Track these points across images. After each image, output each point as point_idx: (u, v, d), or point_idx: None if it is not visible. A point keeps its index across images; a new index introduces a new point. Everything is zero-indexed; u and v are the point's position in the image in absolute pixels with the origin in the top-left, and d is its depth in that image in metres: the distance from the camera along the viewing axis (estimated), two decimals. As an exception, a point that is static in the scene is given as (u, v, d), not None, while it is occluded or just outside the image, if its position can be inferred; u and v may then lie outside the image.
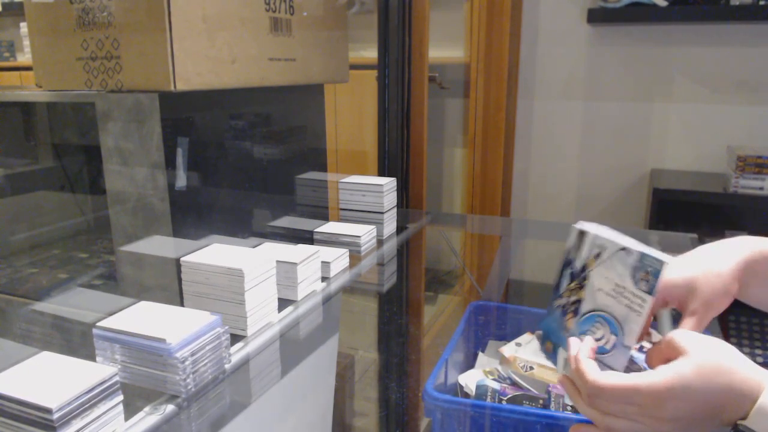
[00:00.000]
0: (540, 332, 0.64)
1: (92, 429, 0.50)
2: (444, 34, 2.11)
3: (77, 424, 0.49)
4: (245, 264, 0.69)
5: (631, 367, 0.56)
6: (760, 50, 1.75)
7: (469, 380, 0.88)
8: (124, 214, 0.77)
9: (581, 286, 0.59)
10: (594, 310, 0.57)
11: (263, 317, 0.74)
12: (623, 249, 0.55)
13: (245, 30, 0.81)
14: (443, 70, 2.10)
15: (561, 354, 0.60)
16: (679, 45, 1.83)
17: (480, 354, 1.00)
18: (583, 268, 0.59)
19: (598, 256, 0.58)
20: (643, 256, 0.54)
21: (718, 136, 1.84)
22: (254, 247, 0.84)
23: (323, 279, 0.88)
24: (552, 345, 0.62)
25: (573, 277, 0.60)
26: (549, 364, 0.87)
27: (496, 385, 0.83)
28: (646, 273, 0.53)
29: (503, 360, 0.91)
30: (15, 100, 1.00)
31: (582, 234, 0.60)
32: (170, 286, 0.76)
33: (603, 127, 1.97)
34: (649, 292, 0.52)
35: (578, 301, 0.59)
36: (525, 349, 0.93)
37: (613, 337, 0.55)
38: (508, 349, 0.92)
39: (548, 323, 0.62)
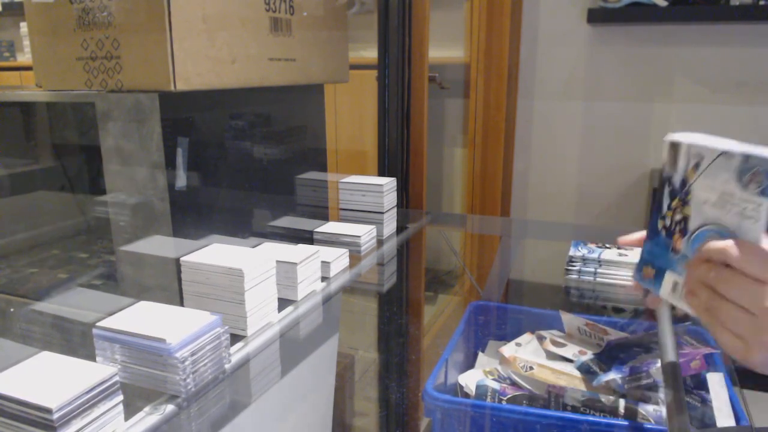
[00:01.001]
0: (643, 262, 0.59)
1: (92, 429, 0.50)
2: (444, 34, 2.11)
3: (77, 424, 0.49)
4: (245, 264, 0.69)
5: None
6: (760, 50, 1.75)
7: (469, 380, 0.88)
8: (124, 214, 0.77)
9: (685, 203, 0.55)
10: (703, 225, 0.53)
11: (263, 317, 0.74)
12: (724, 153, 0.51)
13: (245, 30, 0.81)
14: (443, 70, 2.10)
15: (668, 277, 0.56)
16: (679, 45, 1.83)
17: (480, 354, 1.00)
18: (684, 183, 0.55)
19: (697, 166, 0.54)
20: (747, 157, 0.49)
21: (718, 136, 1.84)
22: (254, 247, 0.84)
23: (323, 279, 0.88)
24: (654, 270, 0.58)
25: (674, 195, 0.56)
26: (549, 363, 0.87)
27: (496, 385, 0.83)
28: (754, 174, 0.48)
29: (503, 360, 0.91)
30: (15, 100, 1.00)
31: (675, 146, 0.56)
32: (170, 286, 0.76)
33: (603, 127, 1.97)
34: (763, 194, 0.47)
35: (684, 219, 0.55)
36: (525, 349, 0.93)
37: None
38: (508, 349, 0.92)
39: (650, 248, 0.58)
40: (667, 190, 0.57)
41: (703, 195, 0.53)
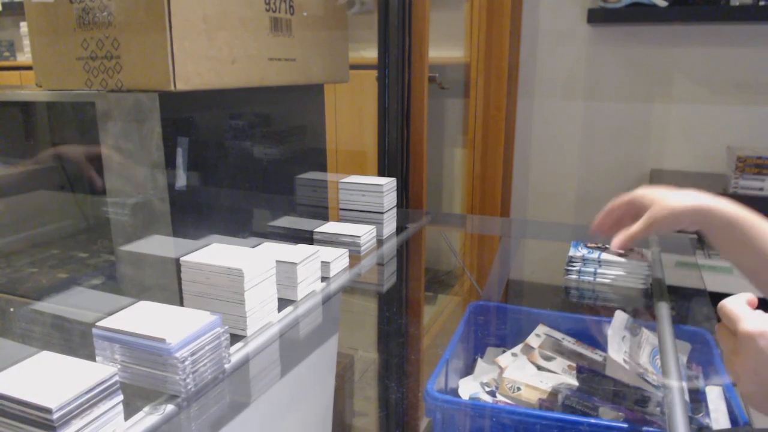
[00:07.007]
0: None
1: (92, 429, 0.50)
2: (444, 34, 2.11)
3: (77, 424, 0.49)
4: (245, 264, 0.69)
5: None
6: (760, 50, 1.75)
7: (464, 391, 0.88)
8: (124, 214, 0.77)
9: None
10: None
11: (263, 317, 0.73)
12: None
13: (245, 30, 0.81)
14: (443, 70, 2.10)
15: None
16: (679, 45, 1.83)
17: (479, 361, 1.00)
18: None
19: None
20: None
21: (718, 136, 1.84)
22: (254, 247, 0.84)
23: (323, 279, 0.88)
24: None
25: None
26: (536, 383, 0.86)
27: (488, 399, 0.84)
28: None
29: (500, 371, 0.91)
30: (15, 100, 1.00)
31: None
32: (170, 286, 0.76)
33: (603, 127, 1.97)
34: None
35: None
36: (520, 360, 0.92)
37: None
38: (504, 360, 0.93)
39: None
40: None
41: None
